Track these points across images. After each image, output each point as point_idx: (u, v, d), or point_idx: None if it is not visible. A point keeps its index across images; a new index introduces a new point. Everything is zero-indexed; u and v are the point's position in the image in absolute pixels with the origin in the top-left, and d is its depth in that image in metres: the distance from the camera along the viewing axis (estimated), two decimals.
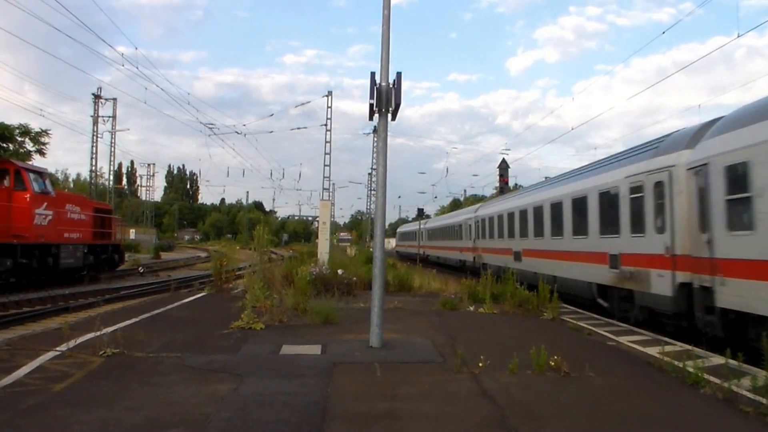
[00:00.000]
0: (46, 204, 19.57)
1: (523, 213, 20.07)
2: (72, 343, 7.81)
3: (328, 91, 31.31)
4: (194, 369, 6.90)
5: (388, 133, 8.82)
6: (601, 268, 13.14)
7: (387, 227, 15.86)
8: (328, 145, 31.05)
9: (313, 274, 14.68)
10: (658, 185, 10.84)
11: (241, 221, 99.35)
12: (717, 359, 7.44)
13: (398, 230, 71.70)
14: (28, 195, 18.58)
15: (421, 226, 47.29)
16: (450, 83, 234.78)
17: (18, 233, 18.09)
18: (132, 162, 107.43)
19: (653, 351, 8.37)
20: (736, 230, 8.45)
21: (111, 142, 43.93)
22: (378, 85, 8.49)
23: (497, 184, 40.23)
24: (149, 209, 78.51)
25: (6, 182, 18.39)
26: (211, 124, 32.09)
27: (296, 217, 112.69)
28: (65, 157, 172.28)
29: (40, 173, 20.09)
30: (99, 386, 6.02)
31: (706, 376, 6.50)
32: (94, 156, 41.48)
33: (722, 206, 8.75)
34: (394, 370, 7.07)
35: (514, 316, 12.26)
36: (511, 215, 21.74)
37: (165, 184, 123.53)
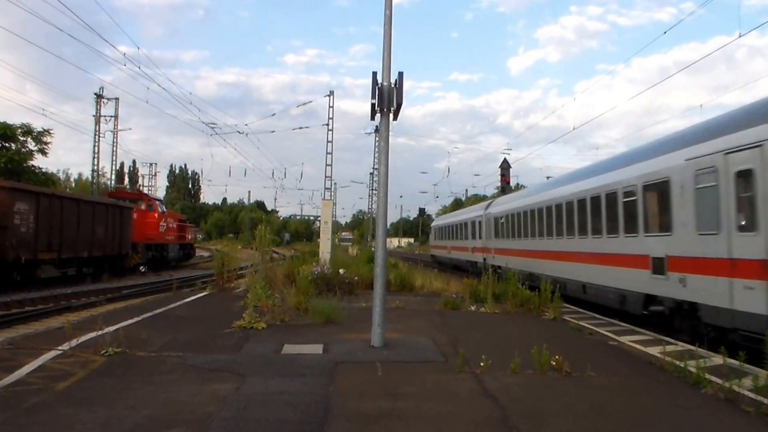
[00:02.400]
0: (162, 220, 32.25)
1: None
2: (74, 342, 7.82)
3: (330, 91, 31.19)
4: (196, 368, 6.91)
5: (390, 133, 8.83)
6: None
7: (389, 227, 15.60)
8: (329, 144, 31.02)
9: (314, 273, 14.67)
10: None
11: (242, 221, 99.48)
12: (718, 359, 7.40)
13: (435, 225, 48.90)
14: (156, 214, 31.66)
15: (491, 211, 25.89)
16: (451, 83, 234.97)
17: (150, 238, 30.54)
18: (134, 161, 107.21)
19: (654, 351, 8.37)
20: None
21: (113, 142, 43.93)
22: (380, 85, 8.49)
23: (499, 184, 40.23)
24: None
25: (143, 207, 31.10)
26: (213, 123, 32.17)
27: (298, 217, 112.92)
28: (67, 157, 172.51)
29: (160, 200, 37.15)
30: (101, 385, 6.04)
31: (707, 375, 6.50)
32: (96, 155, 41.46)
33: None
34: (395, 369, 7.07)
35: (516, 315, 12.26)
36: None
37: (167, 183, 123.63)
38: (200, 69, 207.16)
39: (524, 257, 19.86)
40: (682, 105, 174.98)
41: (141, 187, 57.76)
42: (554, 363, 7.04)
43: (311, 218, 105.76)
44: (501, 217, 23.36)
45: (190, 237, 39.83)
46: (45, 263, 20.58)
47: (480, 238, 26.51)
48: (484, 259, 25.62)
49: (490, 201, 27.99)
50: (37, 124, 41.01)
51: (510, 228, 22.08)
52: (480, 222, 26.98)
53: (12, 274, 18.61)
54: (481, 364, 7.07)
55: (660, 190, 10.93)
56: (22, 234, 18.46)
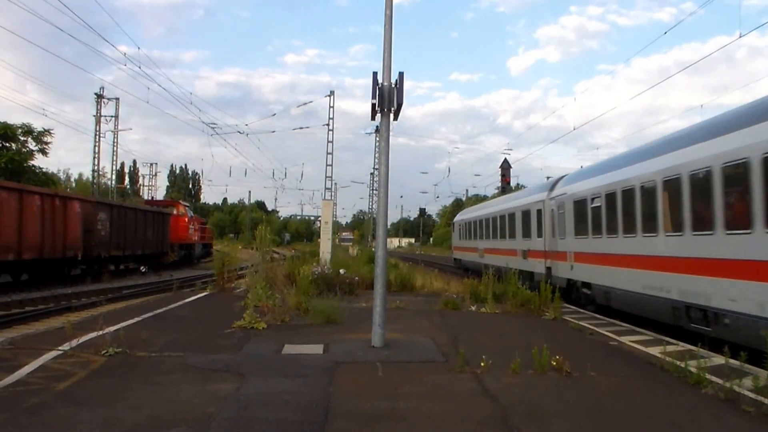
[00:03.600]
0: (191, 223, 38.25)
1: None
2: (75, 343, 7.82)
3: (331, 91, 31.20)
4: (197, 368, 6.91)
5: (390, 133, 8.83)
6: None
7: (389, 227, 14.97)
8: (330, 144, 31.03)
9: (315, 273, 14.68)
10: None
11: (243, 221, 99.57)
12: (718, 359, 7.40)
13: (459, 219, 35.55)
14: (186, 219, 37.38)
15: (565, 191, 16.65)
16: (451, 83, 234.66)
17: (182, 238, 36.24)
18: (134, 161, 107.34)
19: (655, 351, 8.36)
20: None
21: (113, 142, 44.05)
22: (380, 85, 8.49)
23: (499, 184, 40.23)
24: None
25: (176, 212, 36.31)
26: (214, 123, 32.21)
27: (298, 217, 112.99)
28: (67, 157, 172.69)
29: (188, 206, 42.09)
30: (101, 385, 6.04)
31: (707, 376, 6.50)
32: (96, 155, 41.54)
33: None
34: (396, 369, 7.07)
35: (516, 315, 12.26)
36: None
37: (167, 183, 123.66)
38: (200, 69, 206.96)
39: (674, 271, 10.23)
40: (683, 105, 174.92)
41: (141, 187, 61.01)
42: (555, 363, 7.04)
43: (312, 218, 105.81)
44: (593, 199, 14.00)
45: (208, 237, 46.42)
46: (114, 259, 26.86)
47: (540, 236, 18.26)
48: (548, 269, 17.34)
49: (558, 178, 18.47)
50: (38, 124, 41.05)
51: (620, 217, 12.50)
52: (540, 211, 18.31)
53: (93, 266, 24.49)
54: (482, 364, 7.07)
55: None
56: (102, 237, 24.62)
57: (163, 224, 32.65)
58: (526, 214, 19.93)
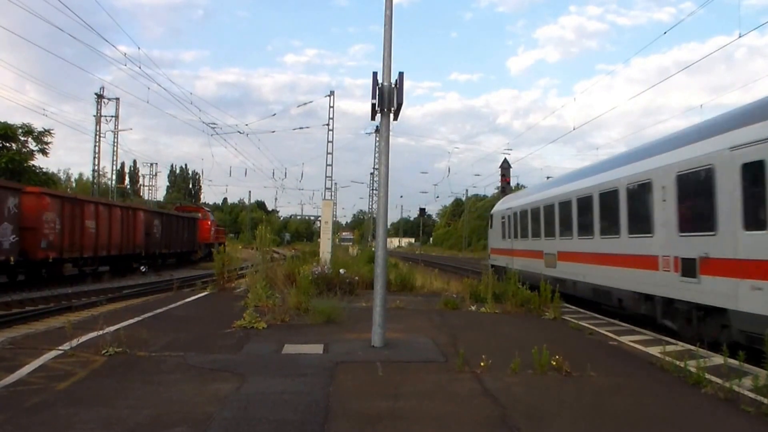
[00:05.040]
0: (212, 226, 45.25)
1: None
2: (75, 342, 7.82)
3: (331, 91, 31.25)
4: (197, 368, 6.92)
5: (390, 133, 8.83)
6: None
7: (389, 227, 14.56)
8: (330, 144, 31.05)
9: (315, 273, 14.69)
10: None
11: (243, 221, 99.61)
12: (718, 359, 7.41)
13: (504, 208, 23.63)
14: (209, 222, 44.03)
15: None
16: (451, 83, 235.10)
17: (205, 239, 42.02)
18: (134, 161, 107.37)
19: (655, 350, 8.37)
20: None
21: (114, 142, 44.10)
22: (380, 85, 8.49)
23: (499, 184, 40.20)
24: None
25: (200, 217, 42.37)
26: (214, 123, 32.27)
27: (298, 217, 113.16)
28: (67, 157, 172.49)
29: (210, 211, 51.32)
30: (102, 385, 6.05)
31: (707, 375, 6.51)
32: (96, 155, 41.58)
33: None
34: (396, 369, 7.08)
35: (516, 315, 12.27)
36: None
37: (167, 183, 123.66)
38: (200, 69, 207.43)
39: None
40: (682, 105, 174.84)
41: (141, 187, 63.78)
42: (554, 363, 7.04)
43: (312, 218, 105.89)
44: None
45: (222, 237, 52.07)
46: (163, 255, 33.52)
47: (730, 221, 8.51)
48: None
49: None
50: (38, 124, 41.30)
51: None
52: (713, 178, 8.96)
53: (151, 261, 31.15)
54: (482, 363, 7.07)
55: None
56: (156, 238, 31.71)
57: (194, 227, 39.64)
58: (665, 191, 10.38)
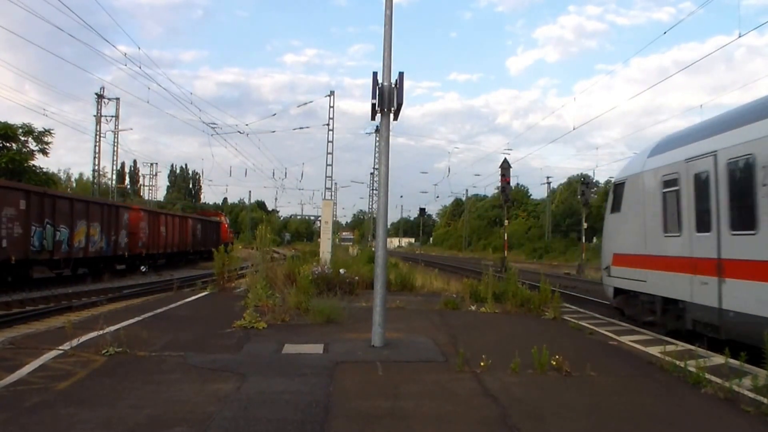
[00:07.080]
0: (229, 229, 56.11)
1: None
2: (75, 342, 7.83)
3: (331, 91, 31.22)
4: (197, 368, 6.93)
5: (390, 133, 8.84)
6: None
7: (389, 227, 14.58)
8: (330, 144, 31.04)
9: (315, 273, 14.69)
10: None
11: (243, 220, 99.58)
12: (718, 359, 7.42)
13: (652, 169, 11.15)
14: (226, 225, 53.06)
15: None
16: (450, 83, 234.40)
17: (223, 239, 44.38)
18: (135, 161, 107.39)
19: (655, 350, 8.38)
20: None
21: (114, 142, 44.17)
22: (380, 85, 8.48)
23: (499, 184, 40.18)
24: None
25: (218, 220, 50.49)
26: (214, 123, 32.33)
27: (298, 217, 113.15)
28: (67, 157, 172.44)
29: (225, 215, 64.93)
30: (102, 385, 6.05)
31: (707, 375, 6.51)
32: (96, 155, 41.61)
33: None
34: (396, 369, 7.08)
35: (516, 315, 12.27)
36: None
37: (168, 183, 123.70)
38: (200, 69, 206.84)
39: None
40: (682, 105, 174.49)
41: (142, 187, 67.08)
42: (554, 363, 7.05)
43: (312, 218, 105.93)
44: None
45: (232, 238, 58.84)
46: (200, 253, 40.77)
47: None
48: None
49: None
50: (38, 124, 41.28)
51: None
52: None
53: (196, 256, 40.67)
54: (482, 363, 7.08)
55: None
56: (198, 239, 40.67)
57: (218, 230, 48.41)
58: None
